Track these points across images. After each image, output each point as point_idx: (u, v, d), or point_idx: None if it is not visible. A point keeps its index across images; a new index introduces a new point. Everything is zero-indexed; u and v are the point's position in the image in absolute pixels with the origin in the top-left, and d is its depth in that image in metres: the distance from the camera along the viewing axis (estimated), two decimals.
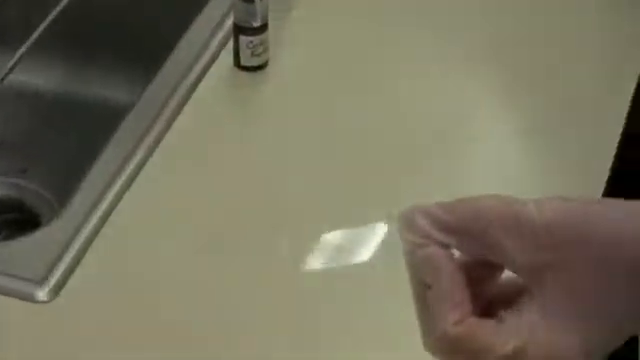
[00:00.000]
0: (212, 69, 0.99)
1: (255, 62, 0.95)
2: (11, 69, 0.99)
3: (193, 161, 0.90)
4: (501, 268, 0.50)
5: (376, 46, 0.97)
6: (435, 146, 0.91)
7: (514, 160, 0.92)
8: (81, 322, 0.79)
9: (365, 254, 0.83)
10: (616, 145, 0.90)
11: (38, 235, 0.85)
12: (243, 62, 0.95)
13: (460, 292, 0.49)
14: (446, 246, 0.50)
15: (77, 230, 0.83)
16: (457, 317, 0.49)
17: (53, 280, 0.80)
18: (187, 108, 0.94)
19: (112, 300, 0.80)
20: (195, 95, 0.96)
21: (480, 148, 0.93)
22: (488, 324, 0.49)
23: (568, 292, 0.48)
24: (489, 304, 0.51)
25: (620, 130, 0.91)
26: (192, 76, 0.98)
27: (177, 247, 0.83)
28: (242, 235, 0.83)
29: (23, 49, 1.00)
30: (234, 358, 0.76)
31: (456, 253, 0.51)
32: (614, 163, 0.89)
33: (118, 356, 0.76)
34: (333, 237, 0.84)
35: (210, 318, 0.78)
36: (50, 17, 1.03)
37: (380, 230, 0.83)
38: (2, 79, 0.98)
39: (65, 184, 0.90)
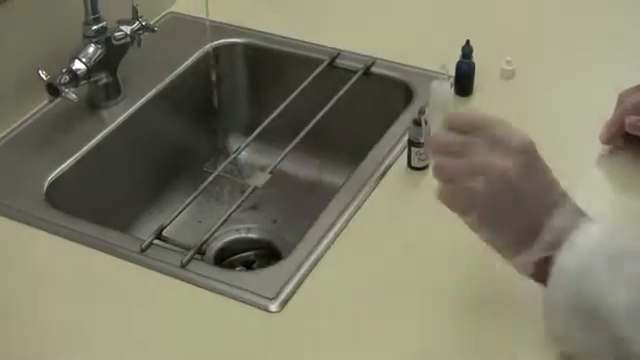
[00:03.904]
0: (392, 168, 1.12)
1: (421, 164, 1.11)
2: (280, 161, 1.14)
3: (376, 234, 1.02)
4: None
5: None
6: None
7: None
8: (301, 330, 0.90)
9: None
10: None
11: (275, 267, 0.99)
12: (413, 164, 1.11)
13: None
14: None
15: (300, 264, 0.97)
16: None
17: (282, 297, 0.93)
18: (377, 190, 1.08)
19: (326, 315, 0.91)
20: (381, 183, 1.10)
21: None
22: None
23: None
24: None
25: None
26: (380, 170, 1.12)
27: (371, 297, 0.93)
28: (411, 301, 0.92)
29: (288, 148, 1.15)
30: None
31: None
32: None
33: (331, 357, 0.87)
34: None
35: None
36: (306, 129, 1.19)
37: None
38: (273, 167, 1.13)
39: (299, 234, 1.03)
